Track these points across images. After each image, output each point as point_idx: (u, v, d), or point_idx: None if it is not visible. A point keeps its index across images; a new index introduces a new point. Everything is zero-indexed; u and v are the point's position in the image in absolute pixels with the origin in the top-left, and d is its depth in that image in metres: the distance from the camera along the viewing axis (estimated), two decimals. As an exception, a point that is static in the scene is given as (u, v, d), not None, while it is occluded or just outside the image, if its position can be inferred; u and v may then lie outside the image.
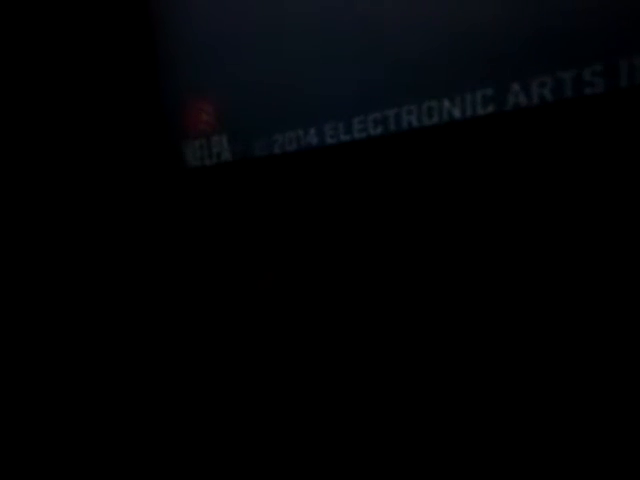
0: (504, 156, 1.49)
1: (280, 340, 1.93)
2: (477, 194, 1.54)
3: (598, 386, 1.40)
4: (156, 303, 2.16)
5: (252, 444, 1.91)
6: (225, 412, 2.01)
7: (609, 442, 1.38)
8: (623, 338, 1.36)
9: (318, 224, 1.84)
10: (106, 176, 2.10)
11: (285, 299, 1.92)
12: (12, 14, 1.91)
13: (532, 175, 1.46)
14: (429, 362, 1.64)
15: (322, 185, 1.82)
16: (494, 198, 1.51)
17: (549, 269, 1.45)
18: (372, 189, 1.72)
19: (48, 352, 1.96)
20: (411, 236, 1.66)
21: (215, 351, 2.07)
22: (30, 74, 1.95)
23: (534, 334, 1.48)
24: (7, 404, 1.88)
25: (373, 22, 1.63)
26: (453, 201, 1.58)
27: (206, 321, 2.10)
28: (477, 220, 1.54)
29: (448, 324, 1.61)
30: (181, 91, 2.11)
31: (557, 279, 1.44)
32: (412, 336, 1.67)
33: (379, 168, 1.70)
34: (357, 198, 1.75)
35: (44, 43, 1.98)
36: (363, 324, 1.76)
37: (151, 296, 2.16)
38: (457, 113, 1.53)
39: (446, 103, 1.54)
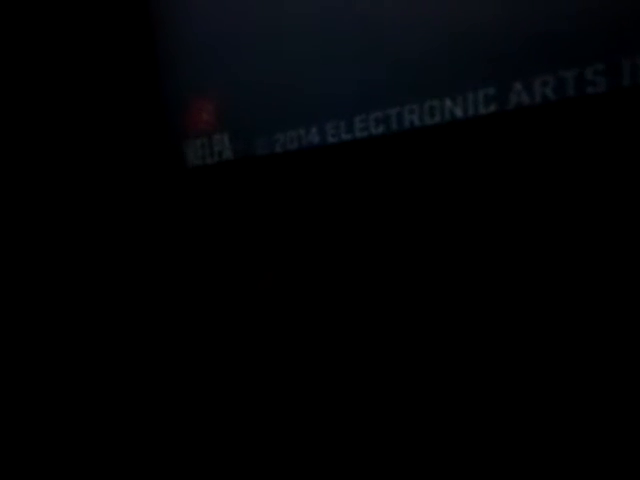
0: (506, 155, 1.49)
1: (281, 340, 1.93)
2: (479, 193, 1.54)
3: (598, 386, 1.40)
4: (157, 302, 2.16)
5: (252, 443, 1.92)
6: (225, 411, 2.01)
7: (609, 442, 1.39)
8: (623, 338, 1.37)
9: (319, 223, 1.84)
10: (107, 175, 2.10)
11: (286, 298, 1.92)
12: (12, 14, 1.91)
13: (534, 174, 1.46)
14: (429, 362, 1.64)
15: (324, 184, 1.82)
16: (496, 197, 1.51)
17: (550, 268, 1.45)
18: (374, 188, 1.72)
19: (48, 352, 1.96)
20: (413, 235, 1.66)
21: (215, 350, 2.07)
22: (31, 74, 1.95)
23: (534, 333, 1.48)
24: (7, 404, 1.89)
25: (375, 21, 1.63)
26: (455, 200, 1.57)
27: (207, 320, 2.10)
28: (480, 219, 1.54)
29: (450, 324, 1.61)
30: (182, 90, 2.10)
31: (559, 278, 1.44)
32: (413, 335, 1.67)
33: (381, 167, 1.70)
34: (359, 197, 1.75)
35: (45, 43, 1.97)
36: (364, 324, 1.76)
37: (152, 295, 2.16)
38: (459, 112, 1.52)
39: (448, 102, 1.54)
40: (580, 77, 1.35)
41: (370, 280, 1.75)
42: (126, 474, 1.96)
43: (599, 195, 1.38)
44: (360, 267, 1.77)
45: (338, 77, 1.72)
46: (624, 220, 1.35)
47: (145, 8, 2.13)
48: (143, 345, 2.12)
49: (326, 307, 1.84)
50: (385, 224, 1.71)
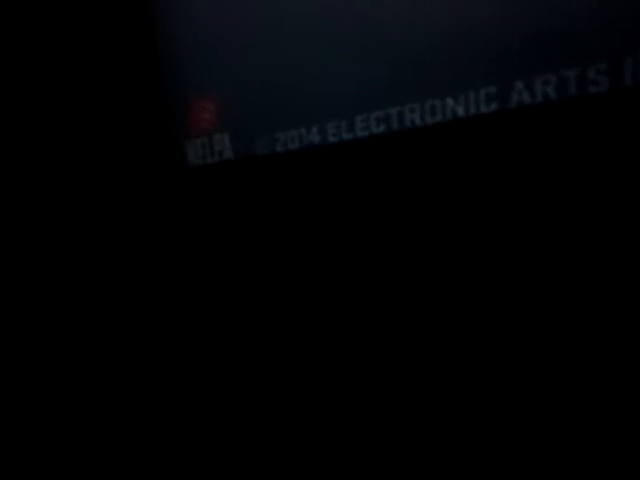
0: (507, 154, 1.48)
1: (281, 339, 1.93)
2: (481, 192, 1.53)
3: (598, 386, 1.39)
4: (157, 301, 2.16)
5: (252, 443, 1.91)
6: (225, 411, 2.01)
7: (609, 442, 1.38)
8: (623, 338, 1.36)
9: (320, 222, 1.84)
10: (108, 175, 2.10)
11: (287, 298, 1.92)
12: (14, 14, 1.91)
13: (536, 173, 1.45)
14: (429, 362, 1.64)
15: (324, 183, 1.82)
16: (498, 196, 1.51)
17: (552, 267, 1.45)
18: (375, 187, 1.72)
19: (48, 351, 1.96)
20: (414, 234, 1.65)
21: (215, 349, 2.07)
22: (32, 74, 1.95)
23: (534, 333, 1.48)
24: (7, 404, 1.88)
25: (375, 20, 1.63)
26: (457, 199, 1.57)
27: (207, 319, 2.10)
28: (481, 218, 1.54)
29: (451, 324, 1.60)
30: (183, 89, 2.10)
31: (561, 278, 1.44)
32: (414, 335, 1.67)
33: (382, 166, 1.70)
34: (360, 196, 1.75)
35: (46, 43, 1.98)
36: (365, 325, 1.76)
37: (152, 294, 2.16)
38: (460, 111, 1.52)
39: (449, 101, 1.53)
40: (582, 76, 1.35)
41: (372, 279, 1.75)
42: (126, 474, 1.96)
43: (601, 194, 1.37)
44: (362, 266, 1.76)
45: (339, 76, 1.72)
46: (626, 219, 1.34)
47: (146, 7, 2.13)
48: (143, 343, 2.12)
49: (326, 306, 1.83)
50: (387, 223, 1.70)
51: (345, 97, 1.72)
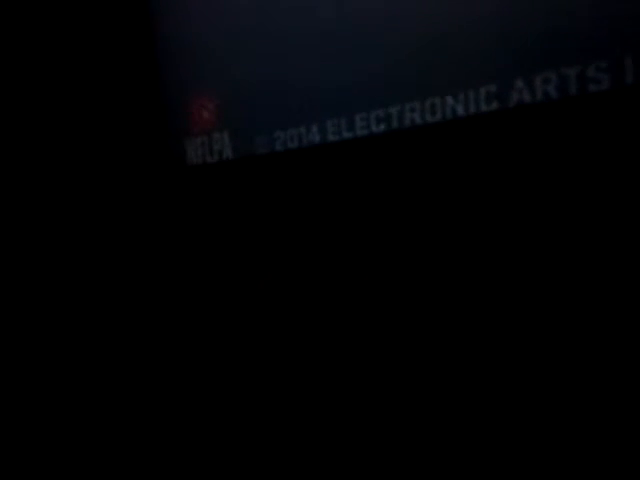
0: (507, 153, 1.48)
1: (281, 339, 1.93)
2: (481, 191, 1.53)
3: (598, 386, 1.39)
4: (156, 301, 2.16)
5: (252, 443, 1.91)
6: (225, 411, 2.01)
7: (609, 442, 1.38)
8: (623, 338, 1.36)
9: (320, 221, 1.83)
10: (107, 174, 2.10)
11: (287, 297, 1.92)
12: (12, 13, 1.90)
13: (536, 172, 1.45)
14: (428, 361, 1.64)
15: (324, 182, 1.82)
16: (498, 195, 1.51)
17: (552, 266, 1.45)
18: (375, 186, 1.71)
19: (47, 351, 1.96)
20: (414, 234, 1.65)
21: (215, 349, 2.07)
22: (31, 73, 1.95)
23: (534, 332, 1.47)
24: (7, 404, 1.88)
25: (375, 18, 1.62)
26: (457, 199, 1.57)
27: (206, 319, 2.10)
28: (480, 218, 1.54)
29: (451, 324, 1.60)
30: (182, 88, 2.10)
31: (561, 277, 1.44)
32: (414, 335, 1.67)
33: (382, 165, 1.69)
34: (360, 195, 1.75)
35: (45, 42, 1.97)
36: (365, 324, 1.75)
37: (151, 294, 2.15)
38: (460, 110, 1.52)
39: (449, 100, 1.53)
40: (582, 74, 1.34)
41: (372, 279, 1.74)
42: (126, 474, 1.96)
43: (601, 193, 1.37)
44: (362, 266, 1.76)
45: (339, 75, 1.72)
46: (627, 218, 1.34)
47: (145, 6, 2.12)
48: (142, 342, 2.11)
49: (326, 306, 1.83)
50: (387, 222, 1.70)
51: (345, 96, 1.71)
